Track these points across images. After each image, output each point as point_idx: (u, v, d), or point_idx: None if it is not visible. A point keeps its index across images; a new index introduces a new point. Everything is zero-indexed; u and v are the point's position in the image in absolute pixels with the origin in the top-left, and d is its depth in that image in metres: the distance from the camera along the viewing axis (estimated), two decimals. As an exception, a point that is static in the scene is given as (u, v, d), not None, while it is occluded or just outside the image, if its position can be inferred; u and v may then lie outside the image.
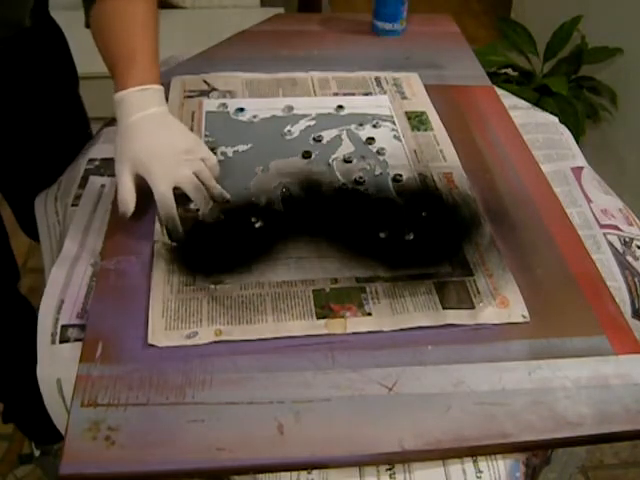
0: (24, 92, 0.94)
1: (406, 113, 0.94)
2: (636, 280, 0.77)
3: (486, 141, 0.90)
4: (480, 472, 0.57)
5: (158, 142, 0.70)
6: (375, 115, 0.93)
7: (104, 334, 0.63)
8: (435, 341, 0.64)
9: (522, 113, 1.00)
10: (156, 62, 0.74)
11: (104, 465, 0.53)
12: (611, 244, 0.80)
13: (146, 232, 0.72)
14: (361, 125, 0.91)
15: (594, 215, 0.84)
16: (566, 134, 0.98)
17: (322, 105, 0.95)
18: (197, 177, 0.71)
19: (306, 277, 0.69)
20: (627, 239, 0.81)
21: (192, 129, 0.88)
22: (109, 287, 0.68)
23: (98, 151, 0.90)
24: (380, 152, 0.86)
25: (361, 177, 0.81)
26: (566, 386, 0.60)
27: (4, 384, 1.12)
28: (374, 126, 0.91)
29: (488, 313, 0.66)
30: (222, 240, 0.72)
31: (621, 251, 0.80)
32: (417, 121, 0.93)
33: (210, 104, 0.94)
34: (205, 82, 0.99)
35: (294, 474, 0.56)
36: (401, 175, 0.82)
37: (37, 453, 1.27)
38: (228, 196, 0.75)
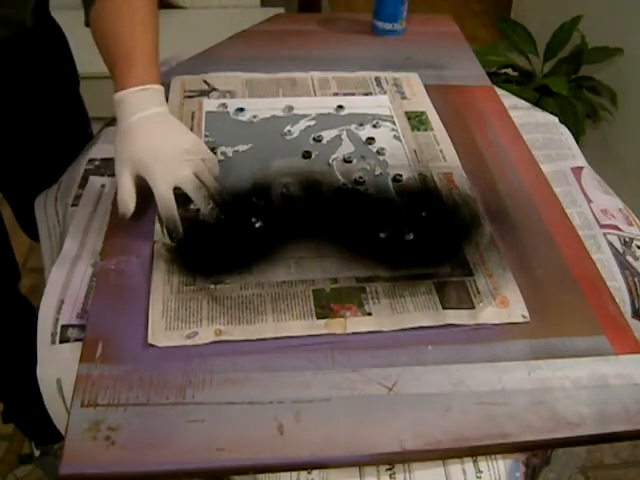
0: (25, 92, 0.94)
1: (406, 113, 0.94)
2: (636, 280, 0.77)
3: (486, 141, 0.90)
4: (480, 472, 0.57)
5: (158, 142, 0.70)
6: (375, 115, 0.93)
7: (104, 334, 0.63)
8: (435, 341, 0.64)
9: (522, 113, 1.00)
10: (156, 62, 0.74)
11: (104, 465, 0.53)
12: (611, 244, 0.80)
13: (146, 232, 0.73)
14: (361, 125, 0.91)
15: (594, 215, 0.84)
16: (566, 134, 0.98)
17: (322, 105, 0.95)
18: (197, 177, 0.71)
19: (306, 277, 0.69)
20: (627, 239, 0.81)
21: (192, 129, 0.88)
22: (109, 287, 0.68)
23: (98, 151, 0.90)
24: (380, 152, 0.86)
25: (361, 177, 0.81)
26: (566, 386, 0.60)
27: (4, 384, 1.12)
28: (374, 126, 0.91)
29: (488, 313, 0.66)
30: (222, 240, 0.72)
31: (621, 251, 0.80)
32: (417, 121, 0.93)
33: (210, 104, 0.94)
34: (205, 82, 0.99)
35: (294, 474, 0.56)
36: (401, 175, 0.82)
37: (37, 453, 1.27)
38: (228, 197, 0.75)
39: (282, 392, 0.59)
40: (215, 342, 0.62)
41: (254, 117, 0.92)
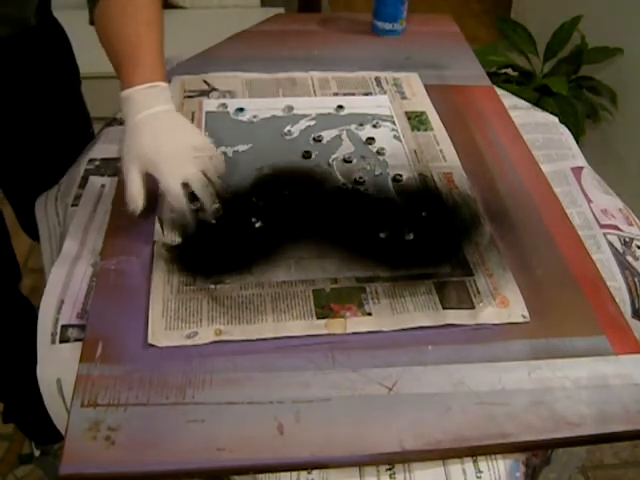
0: (26, 91, 0.94)
1: (406, 113, 0.94)
2: (636, 280, 0.77)
3: (486, 141, 0.90)
4: (480, 472, 0.57)
5: (166, 140, 0.70)
6: (375, 115, 0.93)
7: (104, 334, 0.63)
8: (435, 341, 0.64)
9: (522, 113, 1.00)
10: (162, 60, 0.75)
11: (104, 465, 0.53)
12: (611, 244, 0.80)
13: (146, 232, 0.73)
14: (361, 125, 0.91)
15: (594, 215, 0.84)
16: (566, 134, 0.98)
17: (322, 105, 0.95)
18: (204, 175, 0.71)
19: (306, 277, 0.69)
20: (627, 239, 0.81)
21: (192, 129, 0.89)
22: (109, 287, 0.68)
23: (98, 151, 0.90)
24: (380, 152, 0.86)
25: (361, 177, 0.81)
26: (566, 386, 0.60)
27: (4, 384, 1.12)
28: (374, 126, 0.91)
29: (488, 313, 0.66)
30: (222, 240, 0.72)
31: (621, 251, 0.80)
32: (417, 121, 0.93)
33: (210, 104, 0.94)
34: (205, 82, 0.99)
35: (294, 474, 0.56)
36: (401, 175, 0.82)
37: (37, 453, 1.27)
38: (228, 196, 0.75)
39: (282, 392, 0.59)
40: (215, 342, 0.62)
41: (254, 117, 0.92)
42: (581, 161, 0.93)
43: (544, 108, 1.09)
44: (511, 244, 0.74)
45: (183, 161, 0.70)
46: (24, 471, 1.29)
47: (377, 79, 1.02)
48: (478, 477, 0.56)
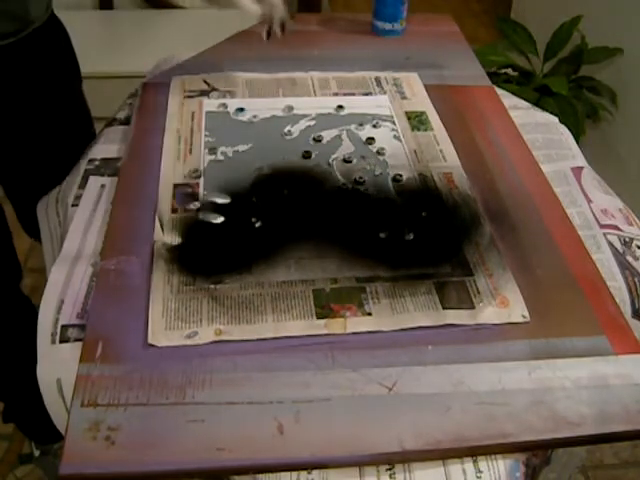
0: (28, 90, 0.94)
1: (406, 113, 0.94)
2: (636, 280, 0.77)
3: (486, 141, 0.90)
4: (480, 472, 0.57)
5: None
6: (375, 115, 0.93)
7: (104, 334, 0.63)
8: (435, 341, 0.64)
9: (522, 113, 1.00)
10: None
11: (104, 465, 0.53)
12: (611, 244, 0.80)
13: (146, 232, 0.73)
14: (361, 125, 0.91)
15: (594, 215, 0.84)
16: (566, 134, 0.98)
17: (322, 105, 0.95)
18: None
19: (306, 277, 0.69)
20: (627, 239, 0.81)
21: (192, 129, 0.89)
22: (109, 287, 0.68)
23: (98, 151, 0.90)
24: (380, 152, 0.86)
25: (361, 177, 0.81)
26: (566, 386, 0.60)
27: (4, 384, 1.12)
28: (374, 126, 0.91)
29: (488, 313, 0.66)
30: (222, 240, 0.72)
31: (621, 251, 0.80)
32: (417, 121, 0.93)
33: (210, 104, 0.94)
34: (205, 82, 0.99)
35: (294, 474, 0.56)
36: (401, 175, 0.82)
37: (37, 453, 1.27)
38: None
39: (282, 392, 0.59)
40: (215, 342, 0.62)
41: (254, 117, 0.92)
42: (581, 161, 0.93)
43: (544, 108, 1.09)
44: (511, 244, 0.74)
45: None
46: (24, 471, 1.29)
47: (377, 79, 1.02)
48: (478, 477, 0.56)
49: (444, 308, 0.66)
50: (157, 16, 2.07)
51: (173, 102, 0.93)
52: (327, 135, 0.89)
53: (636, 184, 1.63)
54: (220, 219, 0.74)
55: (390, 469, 0.56)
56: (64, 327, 0.66)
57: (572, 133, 0.99)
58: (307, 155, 0.85)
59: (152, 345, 0.62)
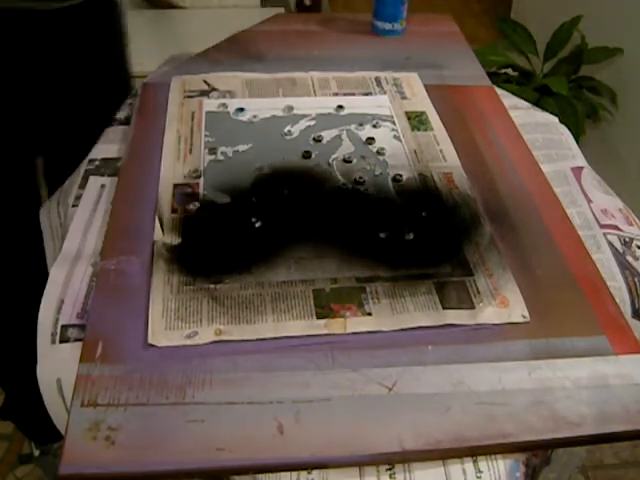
0: (80, 53, 0.94)
1: (406, 113, 0.94)
2: (636, 280, 0.77)
3: (486, 141, 0.90)
4: (480, 472, 0.57)
5: None
6: (375, 115, 0.93)
7: (104, 334, 0.63)
8: (435, 341, 0.64)
9: (522, 113, 1.00)
10: None
11: (104, 465, 0.53)
12: (611, 244, 0.80)
13: (146, 232, 0.73)
14: (361, 125, 0.91)
15: (594, 215, 0.84)
16: (566, 134, 0.98)
17: (322, 105, 0.95)
18: None
19: (306, 277, 0.69)
20: (627, 239, 0.81)
21: (192, 129, 0.89)
22: (109, 287, 0.68)
23: (98, 151, 0.90)
24: (380, 152, 0.86)
25: (361, 177, 0.81)
26: (566, 386, 0.60)
27: (4, 384, 1.12)
28: (374, 126, 0.91)
29: (488, 313, 0.66)
30: (222, 240, 0.72)
31: (621, 251, 0.80)
32: (417, 121, 0.93)
33: (210, 104, 0.94)
34: (205, 82, 0.99)
35: (294, 474, 0.56)
36: (401, 175, 0.82)
37: (37, 453, 1.27)
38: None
39: (282, 392, 0.59)
40: (215, 342, 0.62)
41: (254, 117, 0.92)
42: (581, 161, 0.93)
43: (544, 108, 1.09)
44: (511, 244, 0.74)
45: None
46: (24, 471, 1.29)
47: (377, 79, 1.02)
48: (478, 477, 0.56)
49: (444, 308, 0.66)
50: (157, 16, 2.07)
51: (173, 102, 0.93)
52: (327, 135, 0.89)
53: (636, 184, 1.63)
54: (221, 216, 0.74)
55: (390, 469, 0.56)
56: (64, 327, 0.66)
57: (572, 133, 0.99)
58: (307, 155, 0.85)
59: (152, 345, 0.62)
